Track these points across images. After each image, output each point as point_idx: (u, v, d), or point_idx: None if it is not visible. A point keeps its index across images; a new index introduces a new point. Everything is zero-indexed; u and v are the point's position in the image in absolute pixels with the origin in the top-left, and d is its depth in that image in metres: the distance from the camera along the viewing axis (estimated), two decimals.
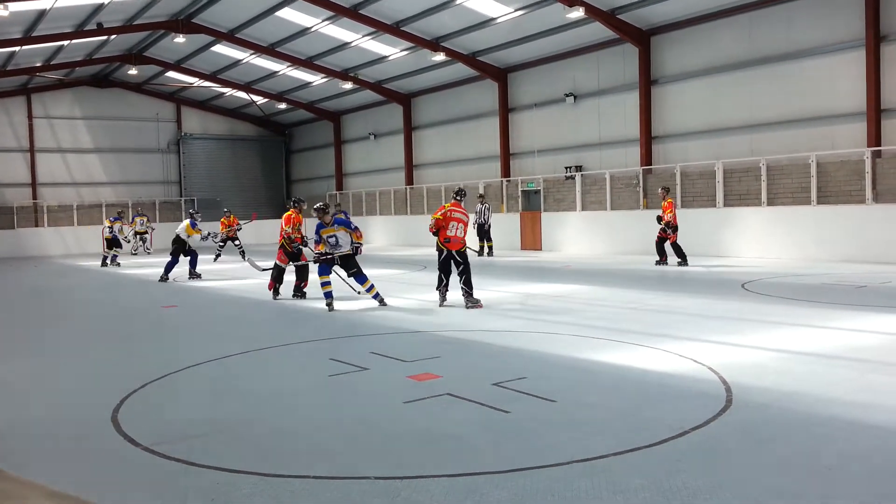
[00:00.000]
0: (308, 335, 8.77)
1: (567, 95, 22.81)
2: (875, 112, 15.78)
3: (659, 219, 15.80)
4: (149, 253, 28.27)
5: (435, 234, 10.67)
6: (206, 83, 32.54)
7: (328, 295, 10.65)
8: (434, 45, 23.60)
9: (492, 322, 9.29)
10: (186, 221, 16.91)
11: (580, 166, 22.55)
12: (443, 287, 10.64)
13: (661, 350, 7.07)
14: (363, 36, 24.45)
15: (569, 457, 4.20)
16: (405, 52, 25.22)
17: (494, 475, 3.99)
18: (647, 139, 20.53)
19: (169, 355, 7.79)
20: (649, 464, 4.09)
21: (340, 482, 3.99)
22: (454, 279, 10.63)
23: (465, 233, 10.71)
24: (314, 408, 5.61)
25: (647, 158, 20.51)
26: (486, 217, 21.44)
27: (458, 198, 11.08)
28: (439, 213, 10.65)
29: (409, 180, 30.15)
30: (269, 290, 12.58)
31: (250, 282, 15.67)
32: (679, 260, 15.56)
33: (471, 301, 10.36)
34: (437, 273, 10.70)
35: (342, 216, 13.23)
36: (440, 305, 10.58)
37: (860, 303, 9.74)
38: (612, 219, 20.96)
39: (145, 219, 28.96)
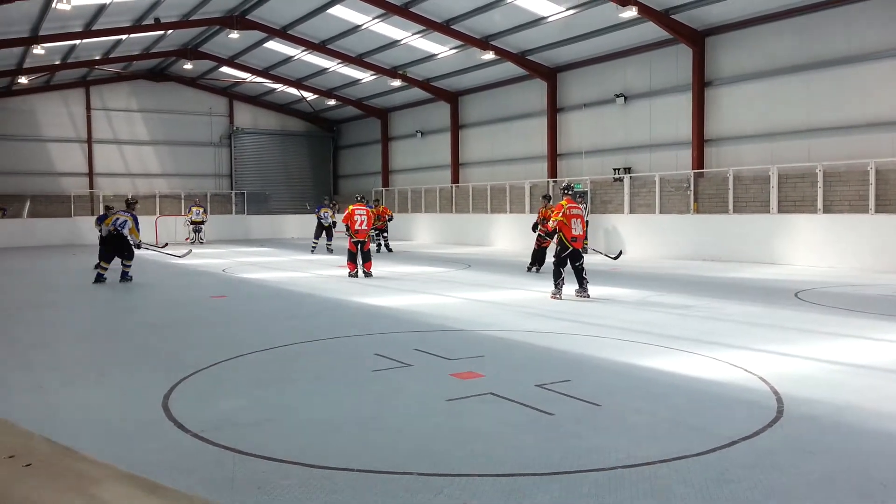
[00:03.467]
0: (354, 330, 8.85)
1: (617, 96, 22.54)
2: None
3: (535, 226, 15.60)
4: (203, 243, 28.90)
5: (545, 233, 11.27)
6: (258, 79, 33.10)
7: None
8: (483, 43, 23.56)
9: (536, 323, 9.24)
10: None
11: (629, 168, 22.27)
12: (561, 281, 11.05)
13: (710, 358, 6.94)
14: (413, 34, 24.55)
15: (613, 462, 4.15)
16: (454, 51, 25.24)
17: (537, 477, 3.97)
18: (700, 142, 20.16)
19: (218, 344, 7.94)
20: (695, 472, 4.02)
21: (383, 476, 4.02)
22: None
23: (584, 229, 11.35)
24: (358, 402, 5.66)
25: (698, 161, 20.14)
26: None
27: (570, 192, 11.54)
28: (560, 215, 11.07)
29: (455, 178, 30.17)
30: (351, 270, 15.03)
31: (298, 275, 15.89)
32: (535, 266, 15.51)
33: (585, 292, 11.04)
34: (555, 268, 11.16)
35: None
36: (559, 298, 10.96)
37: None
38: (661, 222, 20.64)
39: (201, 209, 29.65)
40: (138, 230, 14.50)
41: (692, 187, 20.02)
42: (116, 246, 14.30)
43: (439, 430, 4.91)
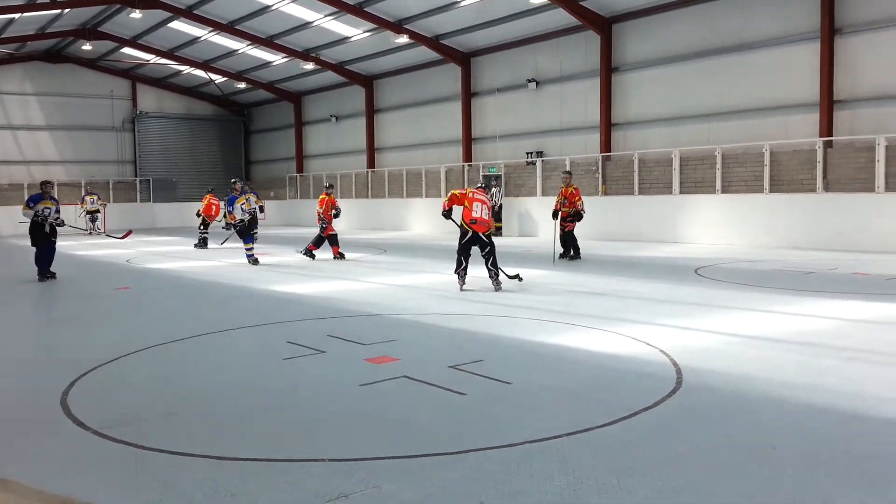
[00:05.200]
0: (265, 318, 8.70)
1: (529, 81, 22.88)
2: (828, 103, 16.18)
3: (555, 213, 14.21)
4: (100, 233, 27.65)
5: (447, 214, 10.55)
6: (163, 60, 31.83)
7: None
8: (397, 26, 23.41)
9: (449, 306, 9.33)
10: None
11: (541, 152, 22.68)
12: (462, 270, 10.40)
13: (614, 333, 7.20)
14: (325, 15, 24.14)
15: (523, 437, 4.25)
16: (368, 34, 24.99)
17: (449, 456, 4.02)
18: (607, 126, 20.73)
19: (121, 338, 7.65)
20: (601, 443, 4.18)
21: (295, 465, 3.99)
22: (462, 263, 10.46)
23: (490, 214, 10.45)
24: (270, 391, 5.58)
25: (606, 145, 20.72)
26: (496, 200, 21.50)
27: (482, 185, 11.02)
28: (460, 191, 10.51)
29: (371, 164, 29.97)
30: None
31: (206, 264, 15.46)
32: (571, 251, 14.34)
33: (499, 283, 10.37)
34: (457, 256, 10.44)
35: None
36: (461, 290, 10.36)
37: (808, 288, 10.03)
38: None
39: (95, 197, 28.24)
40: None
41: (600, 170, 20.60)
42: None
43: (352, 415, 4.90)
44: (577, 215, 14.29)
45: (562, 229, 14.20)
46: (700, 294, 9.89)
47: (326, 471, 3.86)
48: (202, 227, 20.38)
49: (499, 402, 5.06)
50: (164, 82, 35.66)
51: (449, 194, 10.60)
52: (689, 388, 5.22)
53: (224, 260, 16.24)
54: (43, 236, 12.71)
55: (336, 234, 16.13)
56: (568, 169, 15.97)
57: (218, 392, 5.57)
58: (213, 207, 20.42)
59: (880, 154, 14.91)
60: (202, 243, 19.99)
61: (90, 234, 27.31)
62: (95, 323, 8.93)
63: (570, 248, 14.28)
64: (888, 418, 4.50)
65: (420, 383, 5.51)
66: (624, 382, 5.50)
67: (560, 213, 14.14)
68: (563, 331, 7.50)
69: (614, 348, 6.58)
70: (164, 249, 20.05)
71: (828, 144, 16.07)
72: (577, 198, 14.29)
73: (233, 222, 15.25)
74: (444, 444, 4.21)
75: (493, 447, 4.13)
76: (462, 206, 10.45)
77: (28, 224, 12.90)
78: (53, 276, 13.01)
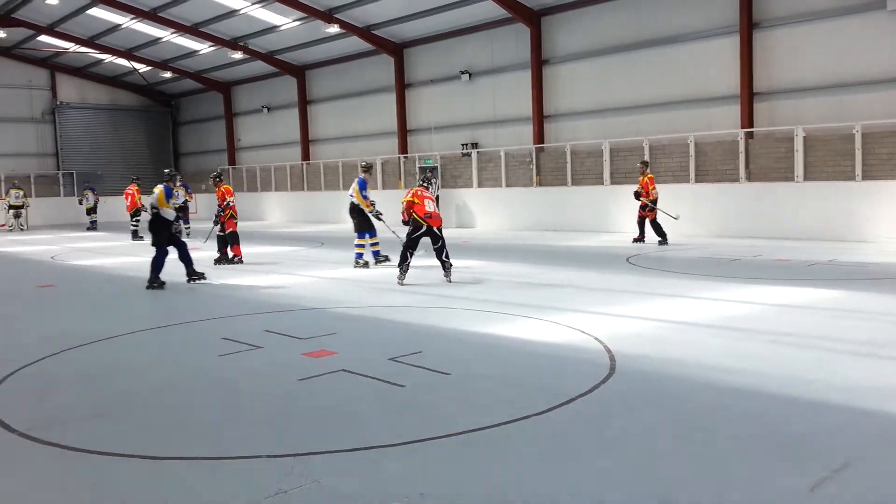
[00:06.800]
0: (199, 314, 8.51)
1: (462, 73, 22.94)
2: (748, 95, 16.78)
3: (636, 195, 15.05)
4: (23, 229, 26.46)
5: (407, 222, 10.50)
6: (83, 49, 30.54)
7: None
8: (327, 16, 23.09)
9: (388, 298, 9.32)
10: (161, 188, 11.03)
11: (476, 143, 22.81)
12: (406, 265, 10.34)
13: (550, 322, 7.33)
14: (252, 3, 23.61)
15: (462, 427, 4.30)
16: (298, 23, 24.56)
17: (389, 448, 4.04)
18: (540, 118, 20.99)
19: (46, 337, 7.35)
20: (539, 431, 4.26)
21: (232, 462, 3.93)
22: (412, 257, 10.44)
23: (436, 208, 10.77)
24: (205, 388, 5.47)
25: (539, 137, 20.99)
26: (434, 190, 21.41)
27: (425, 184, 11.14)
28: (409, 196, 10.54)
29: (306, 155, 29.55)
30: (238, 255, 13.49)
31: (133, 259, 14.99)
32: (659, 240, 14.90)
33: (450, 274, 10.41)
34: (402, 250, 10.36)
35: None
36: (400, 284, 10.22)
37: (733, 275, 10.42)
38: (507, 195, 21.39)
39: (21, 192, 26.99)
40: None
41: (534, 162, 20.86)
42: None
43: (290, 410, 4.86)
44: (654, 202, 14.99)
45: (641, 217, 15.12)
46: (631, 281, 10.16)
47: (265, 467, 3.82)
48: (134, 220, 20.70)
49: (438, 393, 5.10)
50: (85, 71, 34.22)
51: (405, 203, 10.58)
52: (621, 374, 5.37)
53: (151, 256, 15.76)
54: None
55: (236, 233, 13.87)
56: (645, 159, 16.08)
57: (151, 391, 5.43)
58: (129, 197, 20.78)
59: (799, 144, 15.57)
60: (135, 235, 20.21)
61: (11, 230, 26.11)
62: (19, 322, 8.56)
63: (662, 235, 14.96)
64: (813, 399, 4.72)
65: (359, 376, 5.49)
66: (560, 370, 5.62)
67: (639, 201, 14.99)
68: (500, 321, 7.59)
69: (550, 337, 6.70)
70: (89, 245, 19.34)
71: (749, 136, 16.68)
72: (651, 186, 14.93)
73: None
74: (383, 437, 4.22)
75: (432, 437, 4.16)
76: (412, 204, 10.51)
77: None
78: None
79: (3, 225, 26.79)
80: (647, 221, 15.09)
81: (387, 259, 12.54)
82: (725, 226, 16.37)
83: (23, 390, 5.51)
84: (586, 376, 5.29)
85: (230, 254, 13.48)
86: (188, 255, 11.10)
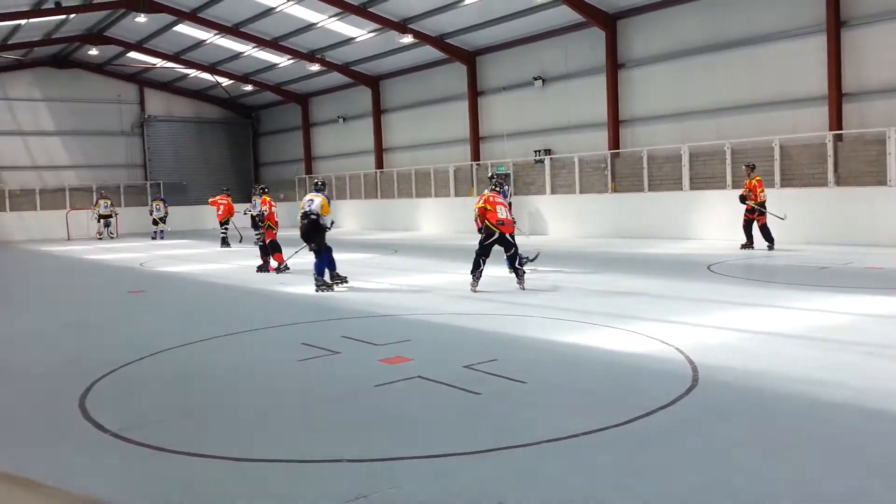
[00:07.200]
0: (279, 320, 8.73)
1: (535, 79, 22.83)
2: (836, 96, 16.06)
3: (742, 198, 14.72)
4: (113, 237, 27.79)
5: (481, 230, 10.49)
6: (170, 64, 31.92)
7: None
8: (402, 26, 23.40)
9: (462, 305, 9.33)
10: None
11: (549, 150, 22.64)
12: (479, 271, 10.29)
13: (629, 332, 7.17)
14: (329, 17, 24.16)
15: (539, 437, 4.25)
16: (372, 34, 24.99)
17: (465, 456, 4.03)
18: (615, 123, 20.65)
19: (137, 341, 7.69)
20: (618, 442, 4.17)
21: (311, 465, 4.00)
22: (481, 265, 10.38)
23: (508, 214, 10.70)
24: (286, 392, 5.59)
25: (614, 142, 20.65)
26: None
27: (497, 188, 11.00)
28: (481, 202, 10.54)
29: (380, 164, 29.99)
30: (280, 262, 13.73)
31: (217, 266, 15.51)
32: (767, 244, 14.51)
33: (524, 281, 10.37)
34: (475, 257, 10.31)
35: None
36: (473, 291, 10.15)
37: (823, 284, 9.97)
38: (581, 202, 21.12)
39: (109, 202, 28.40)
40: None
41: (609, 167, 20.54)
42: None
43: (368, 415, 4.91)
44: (762, 206, 14.66)
45: (747, 221, 14.76)
46: (714, 290, 9.84)
47: (344, 471, 3.87)
48: (223, 228, 21.45)
49: (514, 402, 5.06)
50: (171, 86, 35.78)
51: (477, 210, 10.57)
52: (704, 386, 5.20)
53: (235, 262, 16.30)
54: None
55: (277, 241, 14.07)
56: (750, 163, 15.77)
57: (234, 394, 5.59)
58: (221, 207, 21.31)
59: (891, 146, 14.79)
60: (224, 243, 21.01)
61: (101, 238, 27.45)
62: (111, 327, 8.97)
63: (770, 239, 14.57)
64: None
65: (435, 383, 5.51)
66: (639, 380, 5.49)
67: (745, 205, 14.64)
68: (577, 329, 7.49)
69: (629, 347, 6.56)
70: (176, 253, 20.14)
71: (837, 138, 15.96)
72: (759, 189, 14.60)
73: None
74: (461, 444, 4.21)
75: (509, 447, 4.13)
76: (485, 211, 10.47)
77: None
78: None
79: (98, 233, 28.21)
80: (756, 226, 14.64)
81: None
82: (813, 232, 15.68)
83: (115, 392, 5.76)
84: (667, 388, 5.15)
85: (273, 262, 13.79)
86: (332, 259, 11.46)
